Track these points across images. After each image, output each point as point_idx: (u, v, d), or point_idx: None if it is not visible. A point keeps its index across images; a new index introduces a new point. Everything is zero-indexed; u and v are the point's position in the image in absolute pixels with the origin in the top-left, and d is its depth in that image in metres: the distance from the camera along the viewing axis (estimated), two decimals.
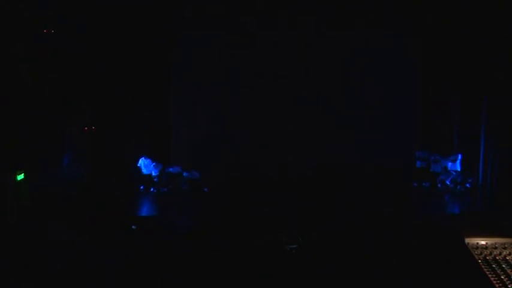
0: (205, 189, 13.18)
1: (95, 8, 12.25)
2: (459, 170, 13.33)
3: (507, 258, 6.32)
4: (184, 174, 13.41)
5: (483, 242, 6.63)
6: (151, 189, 13.37)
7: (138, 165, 13.53)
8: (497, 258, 6.31)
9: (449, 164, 13.40)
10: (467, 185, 13.07)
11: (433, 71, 13.84)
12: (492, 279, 5.82)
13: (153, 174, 13.49)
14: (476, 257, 6.35)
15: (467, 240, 6.70)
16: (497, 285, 5.71)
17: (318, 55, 14.18)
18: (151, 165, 13.53)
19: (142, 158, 13.56)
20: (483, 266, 6.11)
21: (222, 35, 14.15)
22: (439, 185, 13.29)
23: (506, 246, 6.56)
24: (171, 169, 13.48)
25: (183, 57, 14.49)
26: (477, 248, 6.57)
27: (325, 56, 14.20)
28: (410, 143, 14.21)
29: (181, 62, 14.53)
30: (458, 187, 13.12)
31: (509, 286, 5.66)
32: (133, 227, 8.98)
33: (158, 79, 14.06)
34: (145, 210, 12.46)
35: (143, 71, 13.59)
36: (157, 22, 13.50)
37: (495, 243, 6.62)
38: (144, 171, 13.52)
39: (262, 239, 7.96)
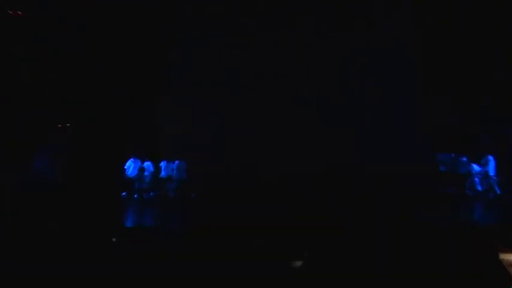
0: (192, 195, 13.07)
1: (95, 8, 12.23)
2: (492, 174, 11.65)
3: None
4: (176, 162, 13.36)
5: None
6: (135, 196, 13.01)
7: (126, 167, 13.33)
8: None
9: (479, 167, 11.95)
10: (499, 191, 11.56)
11: (433, 71, 13.83)
12: None
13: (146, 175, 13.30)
14: None
15: (502, 256, 5.96)
16: None
17: (318, 55, 14.17)
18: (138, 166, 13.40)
19: (131, 159, 13.41)
20: None
21: (222, 35, 14.16)
22: (467, 191, 11.85)
23: None
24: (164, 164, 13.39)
25: (183, 57, 14.49)
26: None
27: (325, 56, 14.19)
28: (410, 142, 14.19)
29: (181, 62, 14.54)
30: (491, 195, 11.45)
31: None
32: (113, 239, 8.68)
33: (158, 79, 14.06)
34: (130, 220, 11.52)
35: (143, 70, 13.59)
36: (157, 22, 13.51)
37: None
38: (130, 172, 13.30)
39: (262, 239, 7.95)
